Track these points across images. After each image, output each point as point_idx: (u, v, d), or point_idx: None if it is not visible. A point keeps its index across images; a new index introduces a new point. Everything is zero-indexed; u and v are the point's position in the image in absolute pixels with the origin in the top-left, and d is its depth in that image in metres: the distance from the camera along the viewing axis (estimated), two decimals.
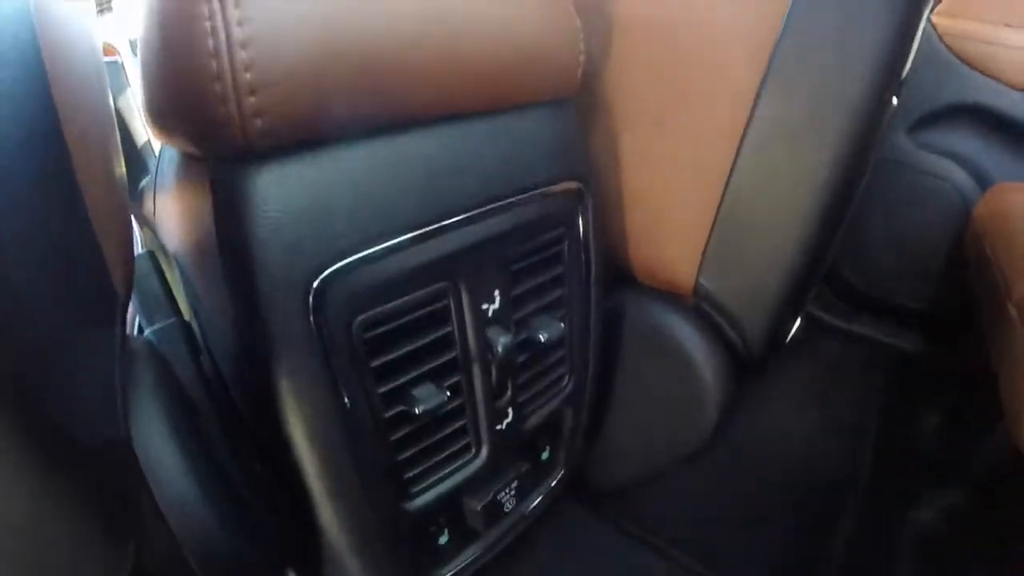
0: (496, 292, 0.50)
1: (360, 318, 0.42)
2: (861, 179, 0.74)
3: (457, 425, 0.52)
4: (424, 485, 0.52)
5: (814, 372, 1.06)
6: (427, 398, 0.46)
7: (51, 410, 0.24)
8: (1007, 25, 0.94)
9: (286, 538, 0.50)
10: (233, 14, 0.32)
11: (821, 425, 0.97)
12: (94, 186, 0.32)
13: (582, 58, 0.52)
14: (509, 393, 0.54)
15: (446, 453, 0.52)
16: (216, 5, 0.32)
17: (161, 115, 0.39)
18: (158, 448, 0.40)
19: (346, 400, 0.43)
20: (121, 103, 0.78)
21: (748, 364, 0.67)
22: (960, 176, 1.01)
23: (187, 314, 0.52)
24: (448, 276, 0.46)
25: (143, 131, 0.77)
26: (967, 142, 1.02)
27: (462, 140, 0.46)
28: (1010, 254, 0.73)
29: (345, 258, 0.40)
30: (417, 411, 0.46)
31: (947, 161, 1.02)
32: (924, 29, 0.57)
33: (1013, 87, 0.96)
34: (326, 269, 0.40)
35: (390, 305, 0.43)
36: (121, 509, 0.31)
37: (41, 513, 0.23)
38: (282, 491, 0.47)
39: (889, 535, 0.77)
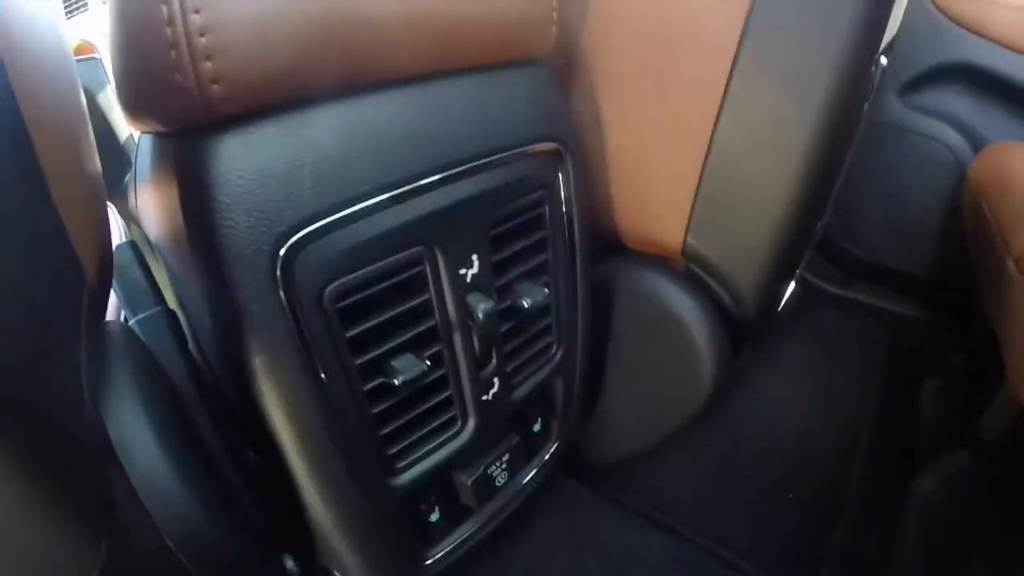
0: (474, 257, 0.48)
1: (332, 286, 0.41)
2: (849, 137, 0.73)
3: (441, 397, 0.50)
4: (410, 460, 0.50)
5: (812, 345, 1.05)
6: (407, 369, 0.45)
7: (8, 396, 0.24)
8: None
9: (280, 525, 0.49)
10: None
11: (821, 398, 0.96)
12: (63, 180, 0.31)
13: (555, 15, 0.51)
14: (494, 362, 0.53)
15: (431, 426, 0.51)
16: None
17: (127, 95, 0.38)
18: (134, 434, 0.38)
19: (322, 374, 0.42)
20: (102, 99, 0.77)
21: (742, 329, 0.65)
22: (953, 137, 1.00)
23: (172, 303, 0.51)
24: (423, 240, 0.45)
25: (125, 127, 0.76)
26: (959, 102, 1.02)
27: (434, 101, 0.45)
28: (1008, 211, 0.72)
29: (313, 223, 0.39)
30: (397, 382, 0.44)
31: (939, 122, 1.01)
32: None
33: (1004, 46, 0.95)
34: (293, 235, 0.39)
35: (362, 272, 0.42)
36: (91, 501, 0.30)
37: None
38: (273, 476, 0.46)
39: (892, 504, 0.76)
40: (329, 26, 0.37)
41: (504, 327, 0.53)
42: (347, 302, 0.42)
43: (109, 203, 0.59)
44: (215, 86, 0.33)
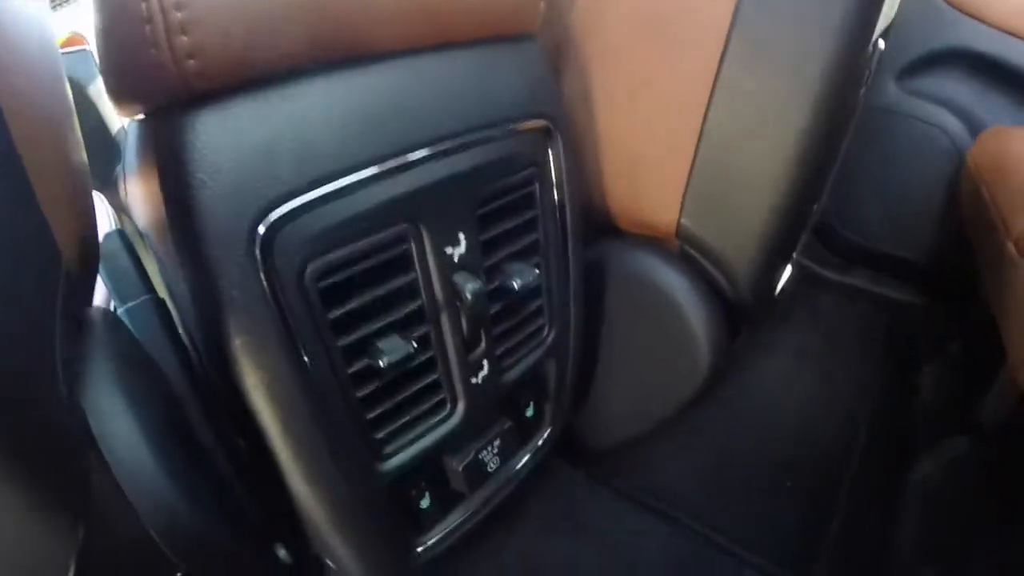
0: (461, 235, 0.47)
1: (313, 264, 0.40)
2: (845, 119, 0.72)
3: (429, 380, 0.49)
4: (398, 445, 0.49)
5: (810, 332, 1.04)
6: (392, 350, 0.44)
7: None
8: None
9: (272, 515, 0.48)
10: None
11: (819, 384, 0.95)
12: (44, 170, 0.31)
13: None
14: (483, 344, 0.52)
15: (419, 410, 0.50)
16: None
17: (109, 76, 0.38)
18: (114, 423, 0.38)
19: (305, 356, 0.41)
20: (92, 91, 0.77)
21: (738, 312, 0.65)
22: (951, 122, 0.99)
23: (162, 293, 0.50)
24: (408, 218, 0.44)
25: (116, 119, 0.76)
26: (957, 87, 1.01)
27: (419, 75, 0.44)
28: (1007, 194, 0.71)
29: (293, 199, 0.38)
30: (382, 364, 0.43)
31: (937, 107, 1.00)
32: None
33: (1003, 31, 0.94)
34: (272, 212, 0.38)
35: (345, 250, 0.41)
36: (66, 489, 0.30)
37: None
38: (261, 464, 0.45)
39: (890, 491, 0.76)
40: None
41: (494, 308, 0.52)
42: (330, 281, 0.41)
43: (102, 196, 0.59)
44: (191, 61, 0.33)
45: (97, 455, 0.34)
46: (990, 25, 0.95)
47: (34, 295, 0.30)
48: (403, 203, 0.43)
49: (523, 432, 0.63)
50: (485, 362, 0.53)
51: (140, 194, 0.43)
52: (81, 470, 0.33)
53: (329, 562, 0.54)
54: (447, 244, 0.47)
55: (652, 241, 0.64)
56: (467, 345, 0.51)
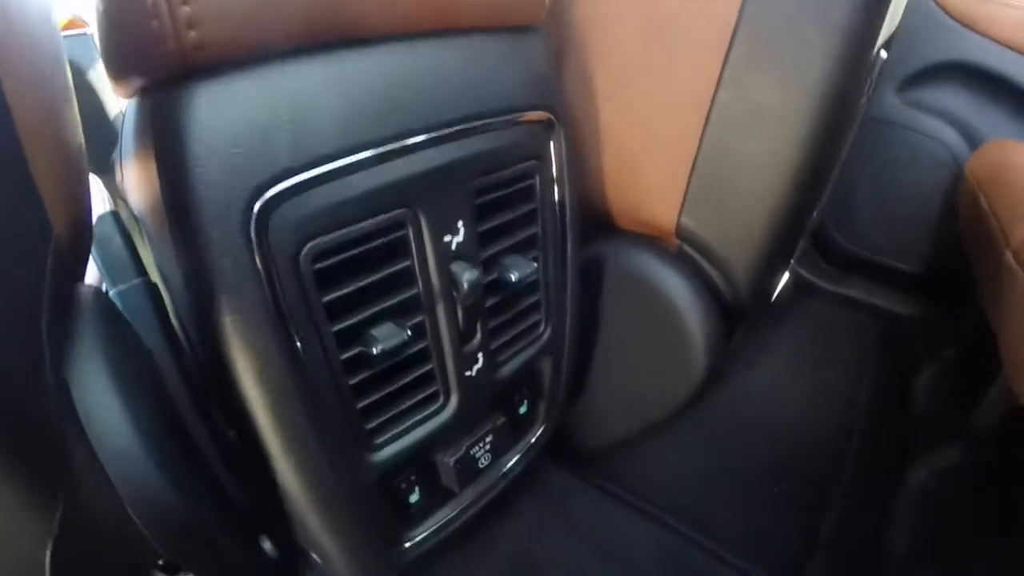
0: (460, 224, 0.47)
1: (309, 246, 0.39)
2: (847, 122, 0.72)
3: (422, 370, 0.49)
4: (389, 436, 0.49)
5: (805, 338, 1.04)
6: (386, 338, 0.43)
7: None
8: None
9: (259, 505, 0.47)
10: None
11: (813, 390, 0.95)
12: (40, 150, 0.31)
13: None
14: (479, 337, 0.51)
15: (412, 401, 0.49)
16: None
17: (108, 52, 0.38)
18: (99, 404, 0.37)
19: (297, 340, 0.40)
20: (92, 75, 0.76)
21: (736, 313, 0.64)
22: (950, 134, 1.00)
23: (155, 277, 0.49)
24: (406, 203, 0.43)
25: (115, 103, 0.75)
26: (957, 100, 1.01)
27: (422, 61, 0.43)
28: (1006, 204, 0.71)
29: (289, 178, 0.38)
30: (375, 351, 0.43)
31: (936, 119, 1.01)
32: None
33: (1004, 45, 0.95)
34: (268, 190, 0.37)
35: (342, 232, 0.40)
36: (45, 469, 0.29)
37: None
38: (250, 453, 0.44)
39: (884, 497, 0.75)
40: None
41: (490, 301, 0.52)
42: (325, 264, 0.40)
43: (98, 179, 0.58)
44: (191, 32, 0.33)
45: (80, 433, 0.34)
46: (991, 39, 0.95)
47: (22, 270, 0.29)
48: (401, 188, 0.42)
49: (516, 429, 0.62)
50: (480, 355, 0.52)
51: (136, 174, 0.43)
52: (61, 446, 0.32)
53: (314, 555, 0.53)
54: (445, 232, 0.46)
55: (650, 240, 0.64)
56: (462, 336, 0.50)
